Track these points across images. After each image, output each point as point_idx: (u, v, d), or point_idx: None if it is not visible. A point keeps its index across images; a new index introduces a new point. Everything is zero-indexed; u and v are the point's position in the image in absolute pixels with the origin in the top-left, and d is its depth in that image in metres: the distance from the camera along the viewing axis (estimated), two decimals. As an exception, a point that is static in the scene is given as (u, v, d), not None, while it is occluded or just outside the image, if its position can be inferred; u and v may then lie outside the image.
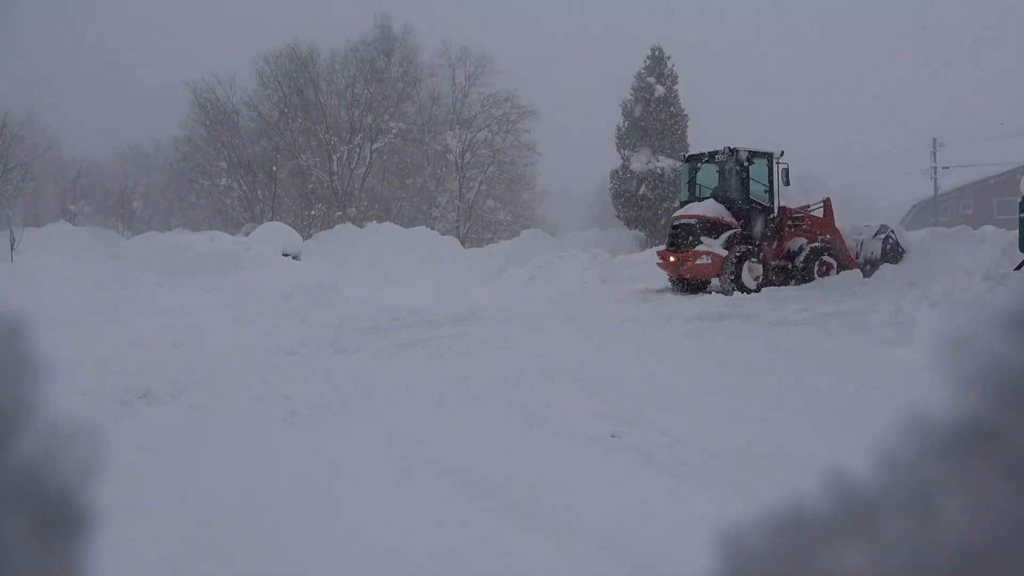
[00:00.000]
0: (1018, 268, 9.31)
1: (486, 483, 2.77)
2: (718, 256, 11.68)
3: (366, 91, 34.09)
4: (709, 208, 12.24)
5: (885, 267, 11.84)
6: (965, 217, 36.92)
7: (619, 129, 25.84)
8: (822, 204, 13.13)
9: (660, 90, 25.23)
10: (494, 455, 3.18)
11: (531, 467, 3.03)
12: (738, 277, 11.61)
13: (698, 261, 11.78)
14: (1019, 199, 9.81)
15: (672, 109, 25.34)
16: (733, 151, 12.51)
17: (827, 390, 4.28)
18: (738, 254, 11.65)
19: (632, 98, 25.83)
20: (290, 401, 4.32)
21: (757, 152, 12.60)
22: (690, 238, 12.01)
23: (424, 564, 2.16)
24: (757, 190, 12.51)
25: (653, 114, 24.97)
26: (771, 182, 12.63)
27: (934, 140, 42.84)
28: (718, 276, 11.70)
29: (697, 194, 13.07)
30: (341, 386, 4.75)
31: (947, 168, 42.46)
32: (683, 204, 13.13)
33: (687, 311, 8.57)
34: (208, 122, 34.87)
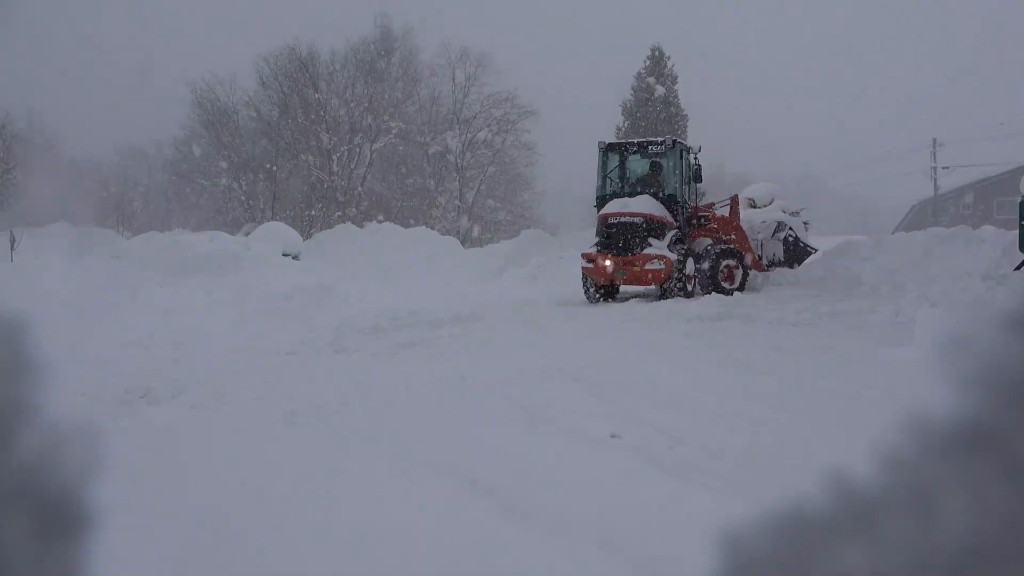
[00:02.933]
0: (1018, 268, 9.31)
1: (486, 483, 2.77)
2: (669, 260, 10.44)
3: (366, 91, 34.12)
4: (650, 205, 10.90)
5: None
6: (965, 217, 36.95)
7: (619, 129, 25.87)
8: (728, 202, 12.36)
9: (660, 90, 25.27)
10: (494, 455, 3.18)
11: (531, 467, 3.03)
12: (684, 282, 10.65)
13: (648, 266, 10.41)
14: (1019, 199, 9.81)
15: (672, 109, 25.37)
16: (675, 142, 11.51)
17: (827, 390, 4.28)
18: (682, 256, 10.71)
19: (632, 98, 25.86)
20: (290, 401, 4.31)
21: (684, 145, 11.83)
22: (636, 239, 10.61)
23: (424, 564, 2.16)
24: (683, 186, 11.61)
25: (653, 114, 24.99)
26: (689, 178, 11.79)
27: (934, 140, 42.90)
28: (663, 282, 10.53)
29: (610, 188, 11.77)
30: (341, 386, 4.75)
31: (947, 168, 42.50)
32: (603, 199, 11.61)
33: (687, 311, 8.57)
34: (208, 122, 34.88)
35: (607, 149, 11.98)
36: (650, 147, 11.71)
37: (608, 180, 11.89)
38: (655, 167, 11.69)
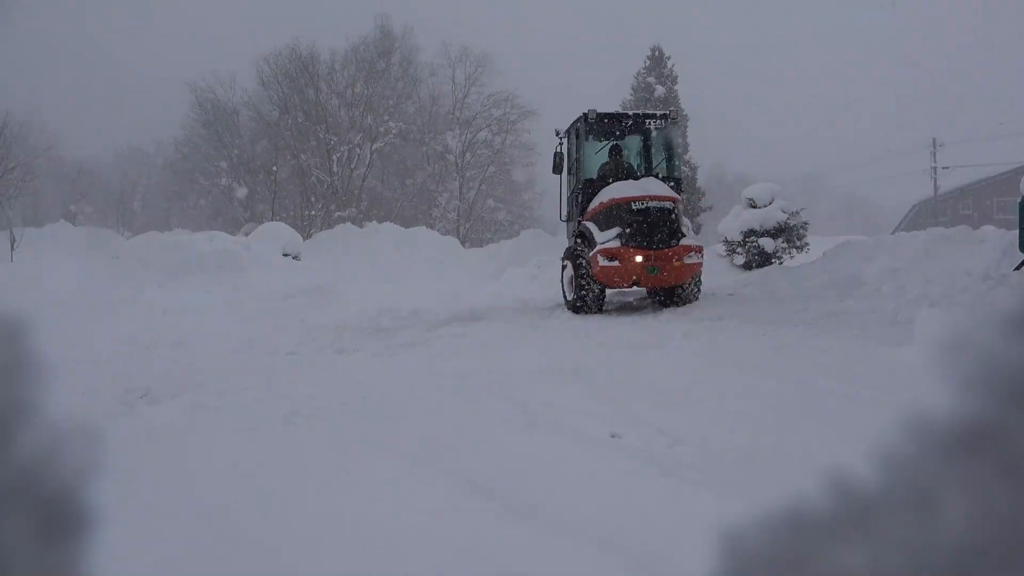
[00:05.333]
0: (1018, 268, 9.31)
1: (486, 483, 2.77)
2: (702, 252, 8.84)
3: (366, 91, 34.14)
4: (667, 189, 9.02)
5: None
6: (965, 217, 37.02)
7: (619, 129, 25.84)
8: None
9: (660, 90, 25.25)
10: (494, 455, 3.18)
11: (531, 467, 3.03)
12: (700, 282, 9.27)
13: (688, 259, 8.61)
14: (1019, 199, 9.80)
15: (672, 109, 25.36)
16: (677, 116, 9.94)
17: (827, 390, 4.28)
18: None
19: (632, 98, 25.85)
20: (290, 401, 4.31)
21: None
22: (669, 229, 8.65)
23: (424, 564, 2.16)
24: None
25: (653, 114, 24.97)
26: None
27: (934, 140, 42.96)
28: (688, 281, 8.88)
29: (581, 169, 9.73)
30: (341, 386, 4.75)
31: (947, 168, 42.55)
32: (594, 183, 9.45)
33: (687, 311, 8.56)
34: (208, 122, 34.92)
35: (597, 121, 9.62)
36: (648, 122, 9.77)
37: (595, 159, 9.94)
38: (658, 145, 10.05)
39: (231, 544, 2.31)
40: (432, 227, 24.46)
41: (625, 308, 9.49)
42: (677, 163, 9.91)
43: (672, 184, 9.46)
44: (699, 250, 8.76)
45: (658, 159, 10.08)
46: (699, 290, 9.30)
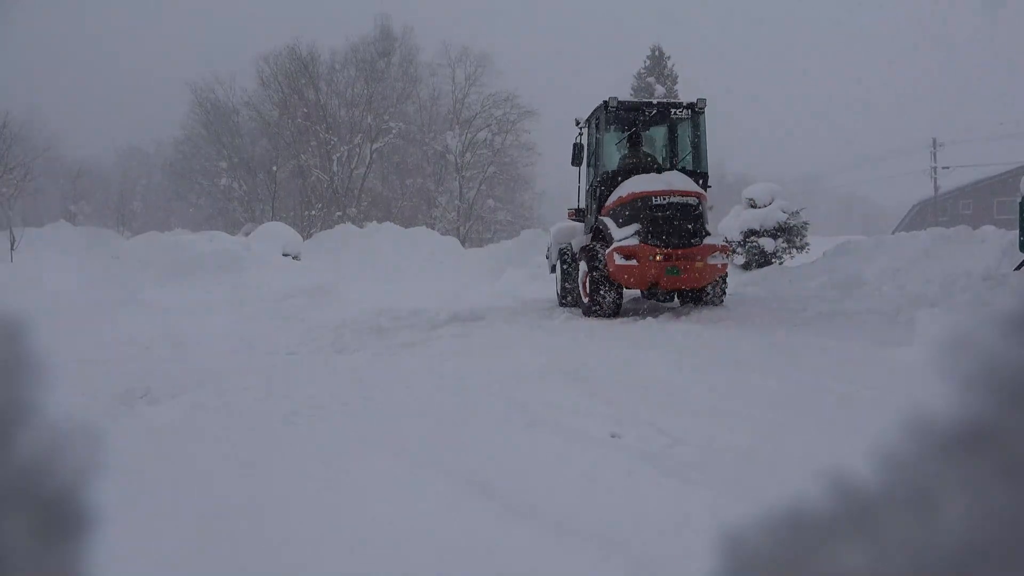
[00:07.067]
0: (1018, 268, 9.31)
1: (486, 483, 2.77)
2: (728, 252, 8.43)
3: (366, 91, 34.15)
4: (691, 183, 8.44)
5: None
6: (965, 217, 37.04)
7: (619, 129, 25.85)
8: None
9: (660, 90, 25.27)
10: (494, 455, 3.18)
11: (531, 467, 3.03)
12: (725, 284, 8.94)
13: (711, 260, 8.12)
14: (1019, 199, 9.80)
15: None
16: (705, 106, 9.13)
17: (827, 390, 4.27)
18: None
19: (632, 98, 25.90)
20: (290, 401, 4.31)
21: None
22: (693, 226, 8.12)
23: (423, 564, 2.16)
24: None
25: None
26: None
27: (934, 140, 42.98)
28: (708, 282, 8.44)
29: (611, 163, 9.31)
30: (341, 386, 4.75)
31: (947, 168, 42.58)
32: (614, 176, 8.88)
33: (686, 311, 8.56)
34: (208, 122, 34.93)
35: (618, 110, 9.00)
36: (673, 111, 9.16)
37: (615, 151, 9.51)
38: (684, 136, 9.50)
39: (231, 544, 2.31)
40: (432, 227, 24.46)
41: (625, 308, 9.49)
42: (704, 156, 9.17)
43: (699, 179, 8.91)
44: (725, 250, 8.26)
45: (683, 152, 9.52)
46: (725, 292, 8.89)
